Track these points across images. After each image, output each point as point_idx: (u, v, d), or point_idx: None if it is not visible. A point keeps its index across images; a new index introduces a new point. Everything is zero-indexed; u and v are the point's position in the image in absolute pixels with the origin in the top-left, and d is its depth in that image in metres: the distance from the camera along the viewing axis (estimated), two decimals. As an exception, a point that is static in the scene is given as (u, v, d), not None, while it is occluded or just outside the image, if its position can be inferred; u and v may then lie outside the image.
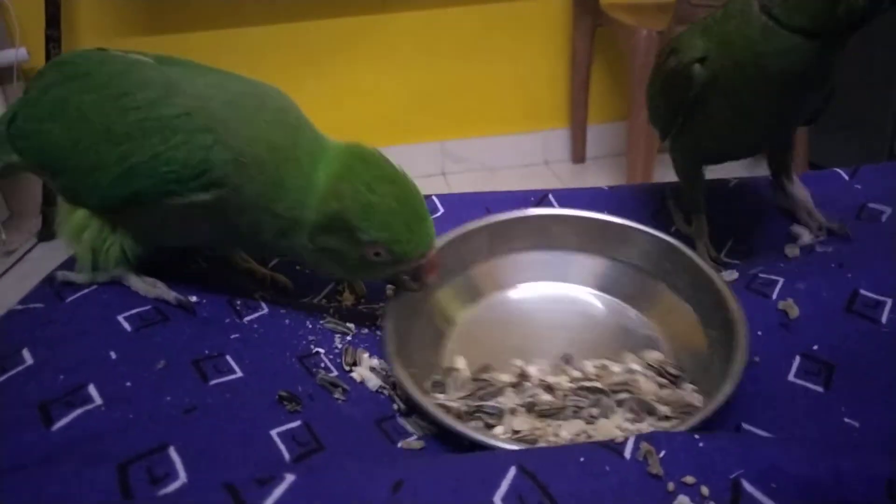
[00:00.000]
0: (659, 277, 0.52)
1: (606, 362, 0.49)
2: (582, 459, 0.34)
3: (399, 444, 0.44)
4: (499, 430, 0.44)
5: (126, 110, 0.49)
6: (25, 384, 0.44)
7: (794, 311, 0.47)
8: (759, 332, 0.46)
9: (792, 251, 0.55)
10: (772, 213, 0.60)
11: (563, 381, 0.47)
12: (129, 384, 0.44)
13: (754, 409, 0.41)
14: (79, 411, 0.42)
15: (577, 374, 0.48)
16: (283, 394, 0.46)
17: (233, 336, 0.51)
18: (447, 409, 0.45)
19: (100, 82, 0.51)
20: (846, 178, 0.62)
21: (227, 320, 0.53)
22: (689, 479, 0.33)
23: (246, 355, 0.49)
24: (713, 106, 0.51)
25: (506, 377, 0.49)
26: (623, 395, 0.46)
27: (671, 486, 0.33)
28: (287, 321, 0.55)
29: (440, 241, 0.54)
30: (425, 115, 1.92)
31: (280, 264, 0.63)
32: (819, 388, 0.43)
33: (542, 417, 0.45)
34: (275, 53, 1.81)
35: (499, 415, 0.45)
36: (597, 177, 1.93)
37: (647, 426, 0.43)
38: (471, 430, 0.42)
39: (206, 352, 0.49)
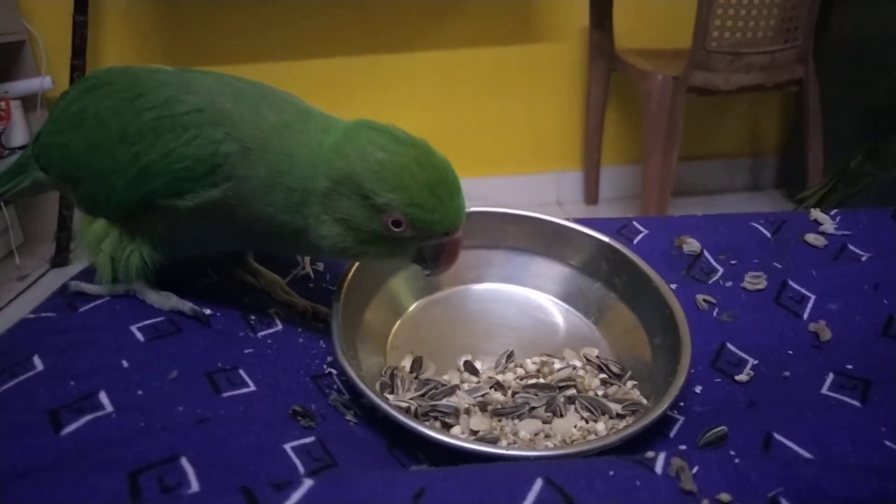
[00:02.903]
0: (601, 280, 0.51)
1: (546, 359, 0.48)
2: (611, 473, 0.33)
3: (412, 468, 0.43)
4: (456, 429, 0.44)
5: (140, 111, 0.49)
6: (35, 390, 0.44)
7: (826, 335, 0.46)
8: (790, 352, 0.45)
9: (817, 240, 0.53)
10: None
11: (510, 379, 0.47)
12: (140, 393, 0.44)
13: (785, 418, 0.40)
14: (89, 417, 0.41)
15: (520, 371, 0.48)
16: (297, 409, 0.45)
17: (246, 350, 0.50)
18: (405, 409, 0.45)
19: (117, 88, 0.51)
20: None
21: (241, 334, 0.52)
22: (725, 497, 0.32)
23: (259, 370, 0.49)
24: None
25: (452, 375, 0.48)
26: (571, 392, 0.45)
27: (705, 502, 0.32)
28: (301, 339, 0.54)
29: None
30: (441, 152, 1.94)
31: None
32: (856, 403, 0.41)
33: (497, 416, 0.44)
34: (295, 89, 1.83)
35: (454, 414, 0.44)
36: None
37: (602, 426, 0.43)
38: (433, 430, 0.41)
39: (220, 364, 0.48)
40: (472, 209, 0.54)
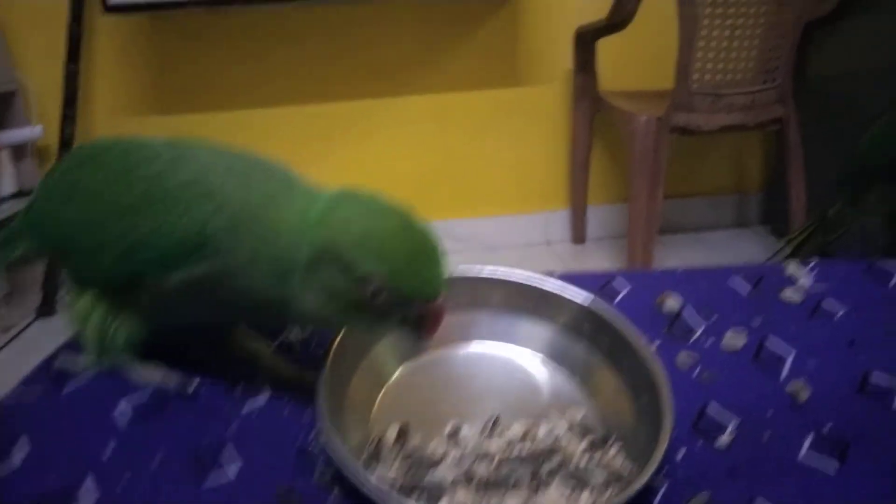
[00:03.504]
0: (586, 339, 0.51)
1: (532, 422, 0.48)
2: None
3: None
4: (443, 506, 0.44)
5: (131, 184, 0.49)
6: (20, 480, 0.44)
7: (804, 395, 0.46)
8: (770, 412, 0.46)
9: (793, 295, 0.54)
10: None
11: (495, 447, 0.47)
12: (125, 482, 0.44)
13: (768, 482, 0.40)
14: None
15: (506, 437, 0.47)
16: (282, 491, 0.45)
17: (231, 426, 0.51)
18: (390, 485, 0.45)
19: (108, 161, 0.52)
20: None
21: (227, 408, 0.52)
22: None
23: (245, 448, 0.49)
24: None
25: (438, 444, 0.48)
26: (556, 460, 0.45)
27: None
28: (287, 411, 0.54)
29: None
30: (430, 194, 1.97)
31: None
32: (835, 464, 0.42)
33: (482, 490, 0.44)
34: (285, 134, 1.87)
35: (439, 490, 0.44)
36: (597, 257, 1.95)
37: (587, 497, 0.43)
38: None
39: (205, 443, 0.48)
40: (458, 273, 0.54)
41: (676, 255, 1.93)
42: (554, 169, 2.00)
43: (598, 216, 2.03)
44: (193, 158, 0.50)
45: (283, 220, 0.47)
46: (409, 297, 0.45)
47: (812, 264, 0.59)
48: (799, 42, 1.63)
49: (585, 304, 0.52)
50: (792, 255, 0.72)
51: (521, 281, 0.54)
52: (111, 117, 1.81)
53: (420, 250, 0.45)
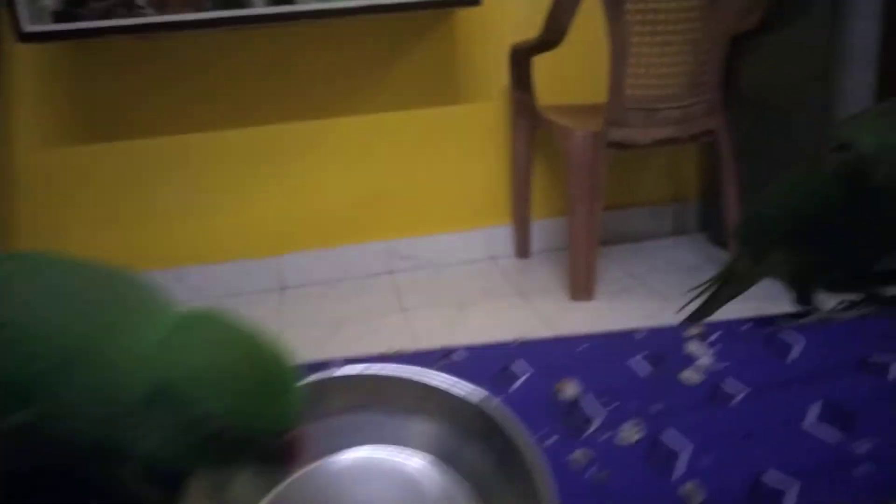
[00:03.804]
0: (478, 440, 0.47)
1: None
2: None
3: None
4: None
5: None
6: None
7: (696, 499, 0.44)
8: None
9: (692, 377, 0.51)
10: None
11: None
12: None
13: None
14: None
15: None
16: None
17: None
18: None
19: None
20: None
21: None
22: None
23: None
24: (875, 210, 0.51)
25: None
26: None
27: None
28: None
29: None
30: (372, 215, 1.92)
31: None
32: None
33: None
34: (221, 159, 1.81)
35: None
36: (541, 271, 1.93)
37: None
38: None
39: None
40: (339, 373, 0.50)
41: (618, 266, 1.92)
42: (496, 185, 1.98)
43: (542, 230, 2.01)
44: (16, 291, 0.43)
45: (121, 351, 0.41)
46: (256, 434, 0.40)
47: (714, 337, 0.57)
48: (727, 55, 1.63)
49: (475, 402, 0.48)
50: (703, 310, 0.69)
51: (409, 377, 0.50)
52: (34, 147, 1.72)
53: (267, 381, 0.40)
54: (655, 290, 1.78)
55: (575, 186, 1.69)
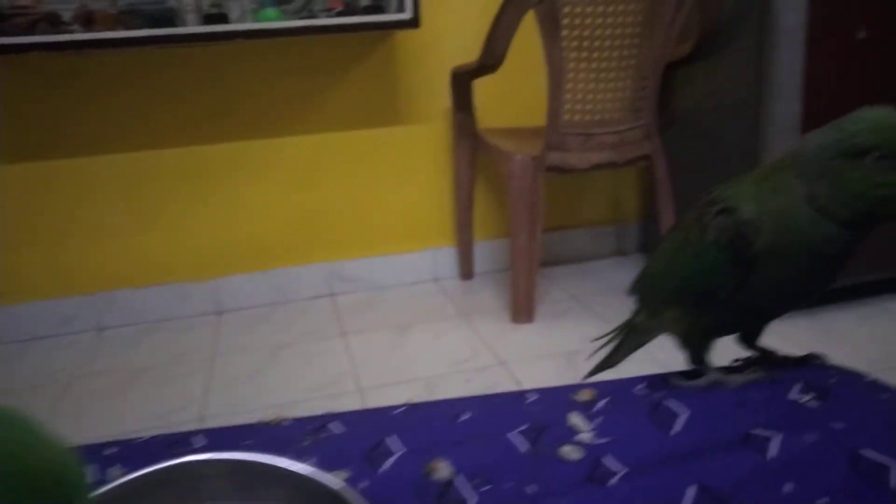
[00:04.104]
0: None
1: None
2: None
3: None
4: None
5: None
6: None
7: None
8: None
9: (572, 452, 0.48)
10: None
11: None
12: None
13: None
14: None
15: None
16: None
17: None
18: None
19: None
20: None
21: None
22: None
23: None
24: (759, 274, 0.50)
25: None
26: None
27: None
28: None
29: None
30: (313, 237, 1.87)
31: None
32: None
33: None
34: (154, 178, 1.74)
35: None
36: (484, 293, 1.90)
37: None
38: None
39: None
40: (155, 467, 0.45)
41: (560, 287, 1.90)
42: (439, 206, 1.94)
43: (485, 251, 1.99)
44: None
45: None
46: None
47: (601, 405, 0.54)
48: (662, 82, 1.62)
49: (335, 489, 0.44)
50: (608, 360, 0.67)
51: (267, 463, 0.46)
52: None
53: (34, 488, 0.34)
54: (595, 312, 1.76)
55: (515, 210, 1.66)
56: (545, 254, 1.98)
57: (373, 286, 1.94)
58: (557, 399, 0.56)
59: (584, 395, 0.57)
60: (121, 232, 1.76)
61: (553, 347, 1.59)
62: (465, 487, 0.48)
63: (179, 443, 0.51)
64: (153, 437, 0.53)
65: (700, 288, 0.54)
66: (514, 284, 1.72)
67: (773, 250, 0.49)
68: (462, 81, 1.79)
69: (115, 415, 1.40)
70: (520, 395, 0.58)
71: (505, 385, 1.43)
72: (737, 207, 0.50)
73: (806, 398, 0.52)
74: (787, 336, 1.54)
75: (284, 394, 1.44)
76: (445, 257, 1.98)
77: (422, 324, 1.74)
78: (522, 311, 1.72)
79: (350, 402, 1.39)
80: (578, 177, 1.96)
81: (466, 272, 1.98)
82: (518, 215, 1.66)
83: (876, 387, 0.54)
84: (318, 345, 1.66)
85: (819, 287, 0.53)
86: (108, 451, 0.50)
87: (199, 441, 0.52)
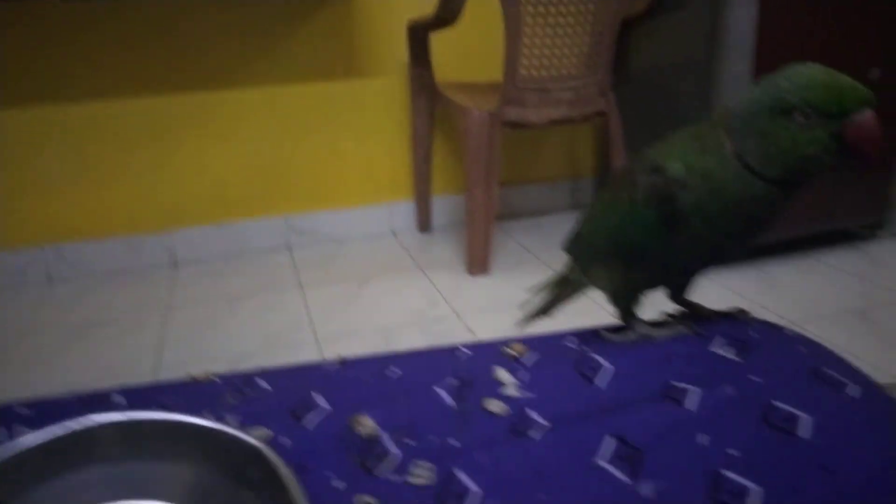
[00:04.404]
0: (252, 490, 0.42)
1: None
2: None
3: None
4: None
5: None
6: None
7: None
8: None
9: (497, 406, 0.47)
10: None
11: None
12: None
13: None
14: None
15: None
16: None
17: None
18: None
19: None
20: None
21: None
22: None
23: None
24: (686, 231, 0.50)
25: None
26: None
27: None
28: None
29: None
30: (270, 189, 1.82)
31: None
32: None
33: None
34: (106, 129, 1.67)
35: None
36: (441, 246, 1.89)
37: None
38: None
39: None
40: (90, 421, 0.43)
41: (515, 240, 1.90)
42: (397, 160, 1.90)
43: (443, 205, 1.96)
44: None
45: None
46: None
47: (529, 358, 0.53)
48: (618, 38, 1.59)
49: (256, 446, 0.42)
50: (542, 309, 0.67)
51: (180, 421, 0.44)
52: None
53: None
54: (549, 265, 1.77)
55: (471, 165, 1.64)
56: (501, 208, 1.97)
57: (331, 239, 1.90)
58: (488, 353, 0.55)
59: (515, 350, 0.56)
60: (72, 183, 1.68)
61: (507, 299, 1.59)
62: (388, 442, 0.47)
63: (98, 401, 0.49)
64: (70, 396, 0.50)
65: (628, 245, 0.53)
66: (471, 238, 1.71)
67: (701, 208, 0.48)
68: (419, 35, 1.73)
69: (65, 368, 1.36)
70: (452, 351, 0.57)
71: (459, 335, 1.43)
72: (666, 166, 0.49)
73: (727, 352, 0.52)
74: (731, 286, 1.58)
75: (241, 345, 1.41)
76: (403, 211, 1.95)
77: (379, 276, 1.72)
78: (478, 263, 1.72)
79: (308, 353, 1.38)
80: (535, 132, 1.94)
81: (424, 226, 1.96)
82: (474, 170, 1.64)
83: (794, 339, 0.55)
84: (276, 297, 1.63)
85: (744, 244, 0.52)
86: (20, 412, 0.47)
87: (119, 399, 0.50)
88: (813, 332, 1.36)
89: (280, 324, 1.50)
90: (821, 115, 0.44)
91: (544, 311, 0.68)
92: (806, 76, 0.45)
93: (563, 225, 2.01)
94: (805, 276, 1.63)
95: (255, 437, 0.44)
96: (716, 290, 1.52)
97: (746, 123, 0.47)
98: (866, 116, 0.43)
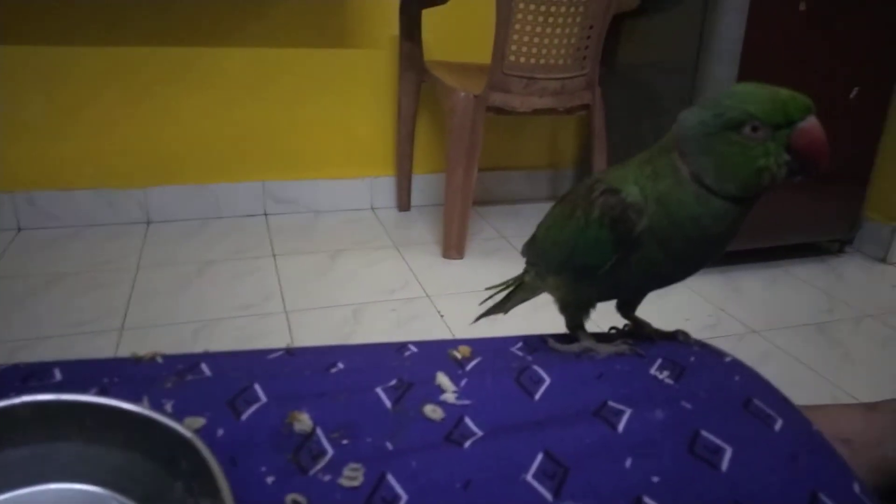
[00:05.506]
0: (181, 479, 0.42)
1: None
2: None
3: None
4: None
5: None
6: None
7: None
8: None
9: (434, 412, 0.48)
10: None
11: None
12: None
13: None
14: None
15: None
16: None
17: None
18: None
19: None
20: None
21: None
22: None
23: None
24: (639, 254, 0.50)
25: None
26: None
27: None
28: None
29: None
30: (249, 154, 1.79)
31: None
32: None
33: None
34: (81, 76, 1.62)
35: None
36: (419, 225, 1.88)
37: None
38: None
39: None
40: (28, 398, 0.42)
41: (492, 225, 1.90)
42: (380, 135, 1.88)
43: (425, 184, 1.95)
44: None
45: None
46: None
47: (473, 363, 0.53)
48: (607, 34, 1.58)
49: (188, 437, 0.42)
50: (498, 307, 0.68)
51: (113, 406, 0.43)
52: None
53: None
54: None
55: (453, 146, 1.63)
56: (481, 192, 1.96)
57: (308, 209, 1.89)
58: (434, 354, 0.55)
59: (461, 352, 0.56)
60: (44, 129, 1.64)
61: (479, 284, 1.59)
62: (324, 441, 0.47)
63: (36, 375, 0.48)
64: (9, 367, 0.49)
65: (581, 262, 0.53)
66: (448, 220, 1.71)
67: (657, 232, 0.48)
68: (411, 10, 1.70)
69: (30, 319, 1.34)
70: (399, 347, 0.57)
71: (428, 317, 1.43)
72: (621, 189, 0.49)
73: (663, 375, 0.52)
74: (700, 291, 1.59)
75: (209, 310, 1.40)
76: (383, 187, 1.94)
77: (354, 251, 1.71)
78: (453, 246, 1.71)
79: (275, 324, 1.38)
80: (519, 119, 1.92)
81: (403, 203, 1.95)
82: (456, 151, 1.63)
83: (732, 367, 0.55)
84: (248, 263, 1.62)
85: (698, 266, 0.52)
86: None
87: (58, 375, 0.49)
88: (774, 340, 1.39)
89: (250, 292, 1.49)
90: (768, 126, 0.44)
91: (500, 309, 0.69)
92: (747, 92, 0.46)
93: (541, 214, 2.01)
94: (771, 285, 1.65)
95: (190, 427, 0.43)
96: (684, 294, 1.54)
97: (699, 144, 0.47)
98: (811, 123, 0.44)
